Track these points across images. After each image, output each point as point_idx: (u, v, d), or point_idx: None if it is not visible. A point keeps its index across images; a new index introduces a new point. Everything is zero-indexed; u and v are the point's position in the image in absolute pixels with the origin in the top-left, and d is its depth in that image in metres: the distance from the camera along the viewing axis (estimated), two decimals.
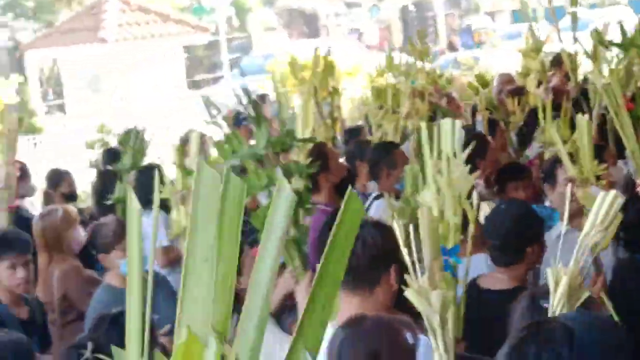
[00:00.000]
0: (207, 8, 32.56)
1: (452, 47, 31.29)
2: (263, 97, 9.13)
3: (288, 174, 3.74)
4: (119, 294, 4.43)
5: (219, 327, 1.10)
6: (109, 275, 4.71)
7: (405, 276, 2.43)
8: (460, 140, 3.27)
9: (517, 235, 3.80)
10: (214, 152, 6.97)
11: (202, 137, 6.64)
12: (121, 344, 1.26)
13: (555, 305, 2.33)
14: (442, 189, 3.20)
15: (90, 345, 3.12)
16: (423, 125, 3.35)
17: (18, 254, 4.61)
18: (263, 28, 34.96)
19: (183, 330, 1.09)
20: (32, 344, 3.73)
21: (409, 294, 2.37)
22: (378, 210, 4.97)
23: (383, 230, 3.06)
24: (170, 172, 7.50)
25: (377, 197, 5.32)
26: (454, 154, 3.27)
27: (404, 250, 2.41)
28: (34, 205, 7.61)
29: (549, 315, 2.32)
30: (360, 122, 8.92)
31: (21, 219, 6.38)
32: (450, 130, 3.24)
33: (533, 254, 3.84)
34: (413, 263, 2.40)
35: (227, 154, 3.88)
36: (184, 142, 7.57)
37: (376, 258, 2.94)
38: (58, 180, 7.32)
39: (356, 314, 2.75)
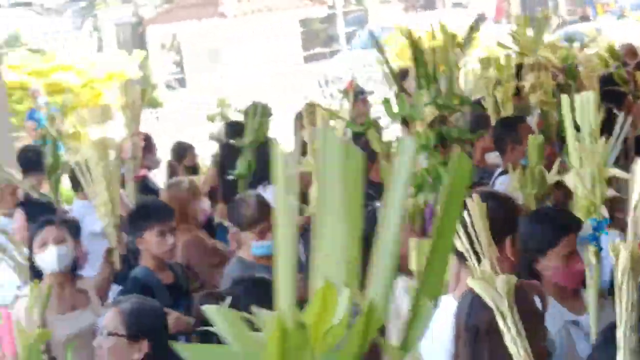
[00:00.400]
0: None
1: (584, 18, 30.53)
2: (406, 72, 8.99)
3: (450, 138, 3.85)
4: (250, 267, 4.52)
5: (348, 276, 1.18)
6: (242, 250, 4.76)
7: (467, 264, 2.44)
8: (595, 112, 3.22)
9: None
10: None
11: (317, 108, 6.66)
12: (256, 305, 1.30)
13: (620, 279, 2.30)
14: (586, 162, 3.16)
15: (228, 299, 3.24)
16: (565, 99, 3.30)
17: (165, 221, 4.72)
18: (379, 0, 34.84)
19: (318, 279, 1.17)
20: (161, 308, 3.83)
21: (471, 282, 2.37)
22: (502, 185, 4.92)
23: (499, 201, 3.07)
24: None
25: (502, 173, 5.27)
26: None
27: (458, 239, 2.42)
28: (156, 177, 7.81)
29: (615, 290, 2.30)
30: (477, 96, 8.80)
31: (147, 189, 6.56)
32: (590, 103, 3.19)
33: None
34: (467, 250, 2.41)
35: (391, 111, 4.04)
36: (301, 115, 7.64)
37: (491, 229, 2.94)
38: (182, 152, 7.49)
39: None
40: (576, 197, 3.28)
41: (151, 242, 4.69)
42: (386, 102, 4.54)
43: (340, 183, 1.18)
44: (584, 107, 3.19)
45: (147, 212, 4.84)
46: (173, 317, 4.52)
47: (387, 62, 4.74)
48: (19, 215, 5.33)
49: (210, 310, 1.22)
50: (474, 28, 6.87)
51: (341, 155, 1.18)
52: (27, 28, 25.13)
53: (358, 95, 8.07)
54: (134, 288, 4.57)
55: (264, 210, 4.69)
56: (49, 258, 4.39)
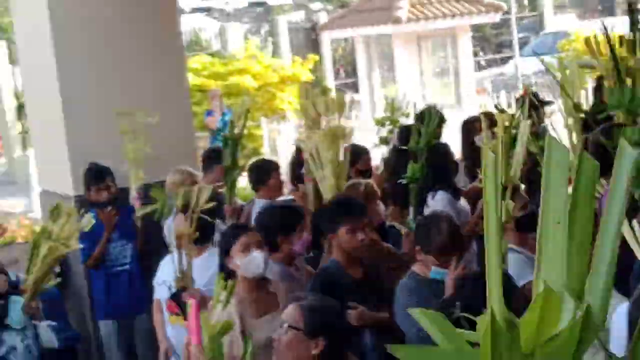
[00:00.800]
0: None
1: None
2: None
3: None
4: (426, 284, 4.55)
5: (573, 284, 1.22)
6: (417, 265, 4.71)
7: None
8: None
9: None
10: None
11: (490, 115, 6.58)
12: (484, 302, 1.35)
13: None
14: None
15: (458, 304, 3.34)
16: None
17: (357, 217, 4.85)
18: (554, 7, 34.04)
19: (540, 284, 1.22)
20: (340, 307, 3.92)
21: None
22: None
23: None
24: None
25: None
26: None
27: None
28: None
29: None
30: None
31: None
32: None
33: None
34: None
35: (612, 104, 4.12)
36: (470, 121, 7.58)
37: None
38: (357, 156, 7.57)
39: None
40: None
41: (342, 237, 4.81)
42: (612, 91, 4.55)
43: (565, 193, 1.23)
44: None
45: (341, 208, 4.97)
46: (358, 311, 4.63)
47: (616, 58, 4.73)
48: (180, 217, 5.51)
49: (416, 313, 1.29)
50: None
51: (565, 167, 1.22)
52: (207, 33, 26.02)
53: (542, 104, 7.89)
54: (322, 280, 4.73)
55: (455, 239, 4.64)
56: (254, 262, 4.50)
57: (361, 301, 4.74)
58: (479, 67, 28.87)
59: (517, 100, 6.81)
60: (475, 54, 26.92)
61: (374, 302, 4.82)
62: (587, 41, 7.51)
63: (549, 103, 7.68)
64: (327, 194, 5.68)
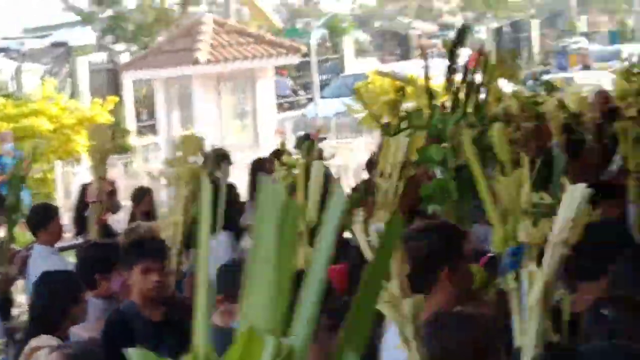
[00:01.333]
0: (300, 30, 32.92)
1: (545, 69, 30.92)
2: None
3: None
4: (221, 333, 4.42)
5: (276, 324, 1.24)
6: (216, 315, 4.55)
7: None
8: None
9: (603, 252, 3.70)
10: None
11: (280, 155, 6.63)
12: None
13: (531, 304, 2.31)
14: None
15: None
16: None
17: (152, 259, 4.72)
18: (355, 50, 35.13)
19: (243, 324, 1.24)
20: (101, 354, 3.81)
21: (379, 304, 2.30)
22: None
23: (436, 232, 3.18)
24: None
25: None
26: None
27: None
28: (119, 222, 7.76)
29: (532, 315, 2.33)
30: None
31: (108, 233, 6.54)
32: None
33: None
34: None
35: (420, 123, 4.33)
36: (259, 162, 7.62)
37: (427, 259, 2.96)
38: (141, 197, 7.46)
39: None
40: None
41: (136, 277, 4.68)
42: (417, 112, 4.98)
43: (275, 232, 1.23)
44: None
45: (136, 247, 4.86)
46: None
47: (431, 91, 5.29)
48: None
49: (131, 353, 1.29)
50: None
51: (278, 206, 1.22)
52: (3, 74, 25.13)
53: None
54: (113, 322, 4.63)
55: None
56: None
57: (158, 343, 4.56)
58: (288, 107, 29.32)
59: (298, 140, 6.87)
60: (278, 95, 27.26)
61: (174, 345, 4.64)
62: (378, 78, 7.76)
63: (322, 139, 7.83)
64: (168, 232, 5.51)
